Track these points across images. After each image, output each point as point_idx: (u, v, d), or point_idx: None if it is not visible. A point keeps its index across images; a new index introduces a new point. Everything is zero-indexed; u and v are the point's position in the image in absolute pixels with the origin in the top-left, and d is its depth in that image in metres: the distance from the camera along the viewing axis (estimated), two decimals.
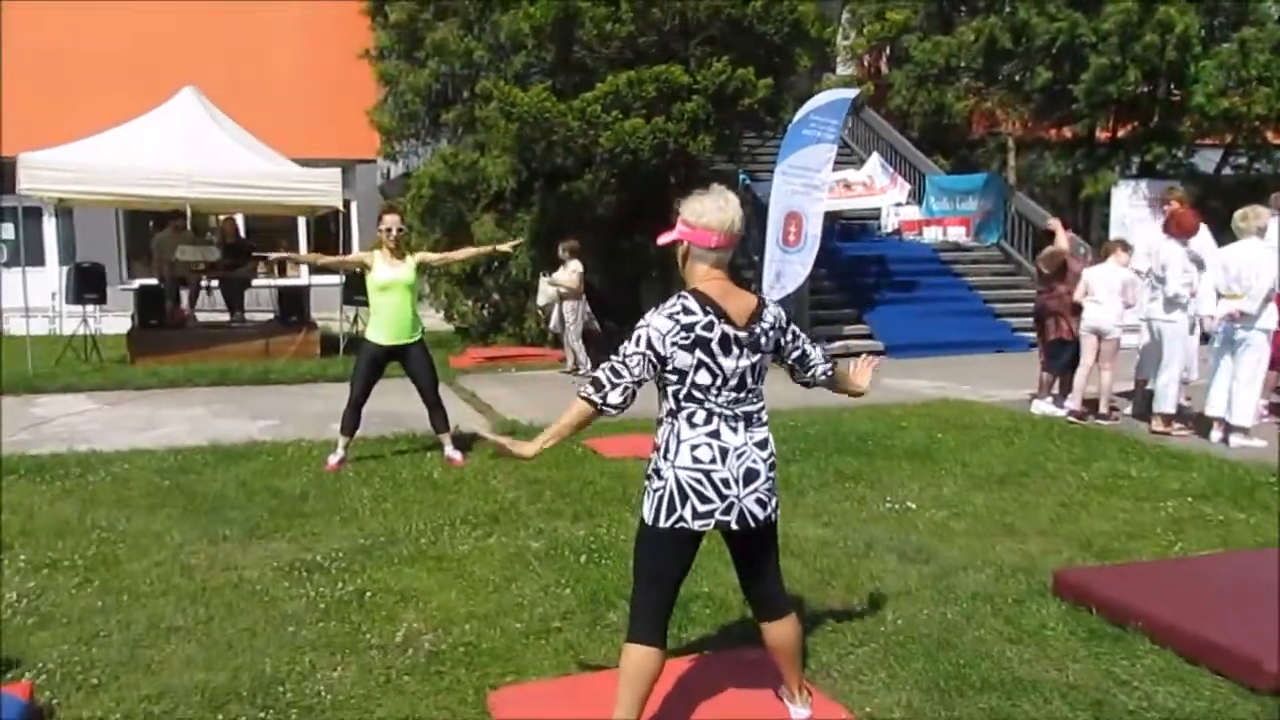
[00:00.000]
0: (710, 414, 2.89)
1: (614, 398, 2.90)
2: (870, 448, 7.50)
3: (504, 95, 10.57)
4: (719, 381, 2.88)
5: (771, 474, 2.98)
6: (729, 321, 2.89)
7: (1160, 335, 7.93)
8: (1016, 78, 14.93)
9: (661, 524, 2.88)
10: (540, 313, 11.78)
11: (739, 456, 2.89)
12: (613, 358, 2.92)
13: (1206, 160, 15.41)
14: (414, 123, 13.96)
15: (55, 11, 17.50)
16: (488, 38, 12.66)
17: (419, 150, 14.55)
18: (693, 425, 2.88)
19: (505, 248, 7.65)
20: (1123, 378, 8.89)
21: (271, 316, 13.21)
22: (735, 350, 2.90)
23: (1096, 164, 14.62)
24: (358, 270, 7.18)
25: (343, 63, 17.56)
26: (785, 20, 11.38)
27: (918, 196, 17.91)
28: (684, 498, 2.86)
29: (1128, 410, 8.88)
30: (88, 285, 11.64)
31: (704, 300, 2.88)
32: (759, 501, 2.94)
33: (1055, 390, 9.02)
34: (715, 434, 2.88)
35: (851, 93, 12.03)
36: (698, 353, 2.86)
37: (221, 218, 14.07)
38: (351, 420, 6.99)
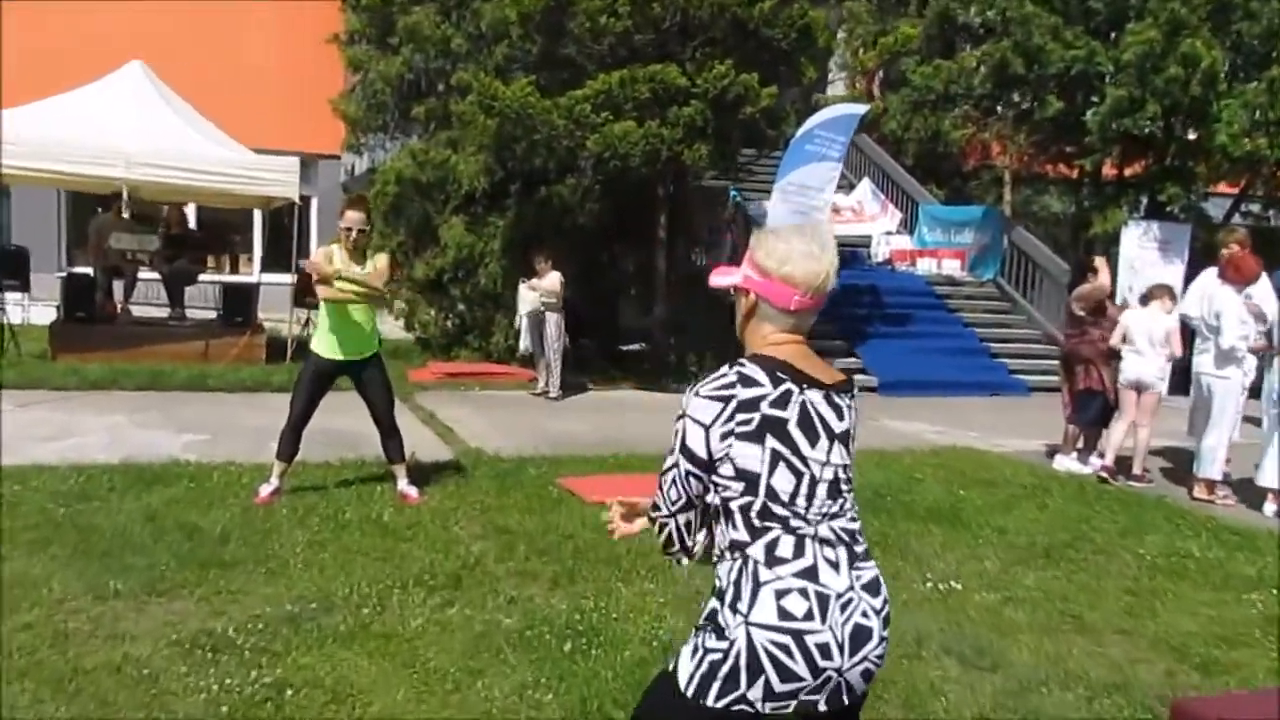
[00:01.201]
0: (800, 540, 1.93)
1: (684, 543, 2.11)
2: (889, 504, 6.57)
3: (484, 88, 9.58)
4: (806, 484, 1.94)
5: (886, 632, 1.98)
6: (813, 385, 1.97)
7: (1210, 392, 7.10)
8: (1024, 105, 14.16)
9: (711, 701, 1.90)
10: (516, 325, 10.73)
11: (845, 607, 1.92)
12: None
13: (1215, 206, 14.79)
14: (382, 114, 12.89)
15: None
16: (467, 26, 11.67)
17: (386, 145, 13.47)
18: (775, 560, 1.91)
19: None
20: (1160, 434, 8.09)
21: (214, 316, 12.05)
22: (823, 435, 1.97)
23: (1104, 201, 13.90)
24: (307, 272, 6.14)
25: (311, 51, 16.54)
26: (794, 25, 10.51)
27: (909, 226, 17.18)
28: (757, 671, 1.87)
29: (1156, 469, 8.07)
30: (9, 270, 10.43)
31: (773, 365, 1.97)
32: (865, 674, 1.95)
33: (1080, 445, 8.17)
34: (811, 573, 1.91)
35: (861, 108, 11.21)
36: (770, 441, 1.92)
37: (166, 206, 12.89)
38: (290, 444, 5.94)
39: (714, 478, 1.95)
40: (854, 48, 11.62)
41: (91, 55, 12.91)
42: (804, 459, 1.93)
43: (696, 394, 1.96)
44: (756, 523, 1.92)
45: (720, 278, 2.12)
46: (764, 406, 1.92)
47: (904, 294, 14.68)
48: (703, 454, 1.93)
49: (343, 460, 6.92)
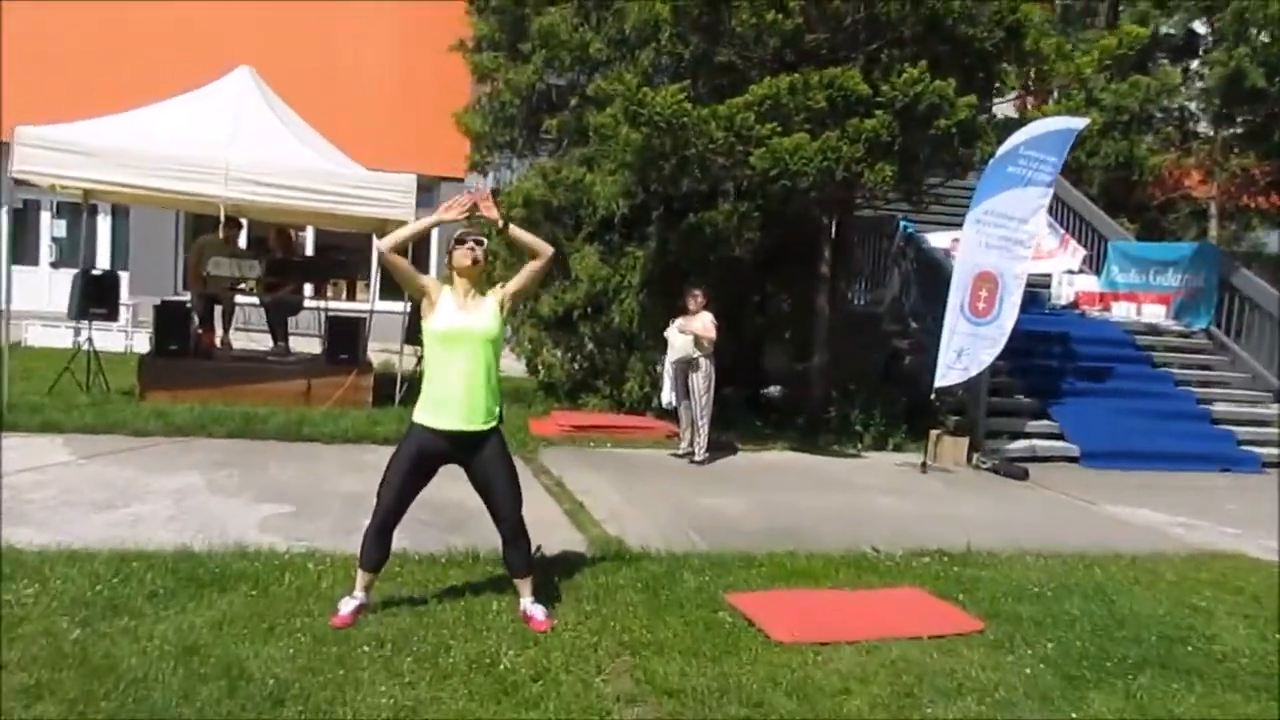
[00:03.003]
0: None
1: None
2: (1188, 654, 4.70)
3: (631, 93, 8.06)
4: None
5: None
6: None
7: None
8: (1257, 122, 11.97)
9: None
10: (658, 372, 9.12)
11: None
12: None
13: None
14: (510, 129, 11.55)
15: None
16: (608, 29, 10.22)
17: (513, 163, 12.14)
18: None
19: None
20: None
21: (319, 351, 10.83)
22: None
23: None
24: (416, 300, 4.66)
25: (433, 60, 15.49)
26: (1001, 22, 8.72)
27: (1095, 264, 15.04)
28: None
29: None
30: (96, 297, 9.38)
31: None
32: None
33: None
34: None
35: (1080, 123, 9.31)
36: None
37: (275, 228, 11.77)
38: (376, 547, 4.44)
39: None
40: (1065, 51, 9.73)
41: (198, 59, 12.01)
42: None
43: None
44: None
45: None
46: None
47: (1099, 343, 12.54)
48: None
49: (449, 552, 5.41)
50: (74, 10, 16.53)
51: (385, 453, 8.12)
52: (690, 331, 8.62)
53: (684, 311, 8.82)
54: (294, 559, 5.11)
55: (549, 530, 6.15)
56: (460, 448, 4.43)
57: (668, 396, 9.08)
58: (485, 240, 4.50)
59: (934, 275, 11.41)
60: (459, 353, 4.34)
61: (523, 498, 4.60)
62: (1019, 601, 5.39)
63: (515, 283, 4.57)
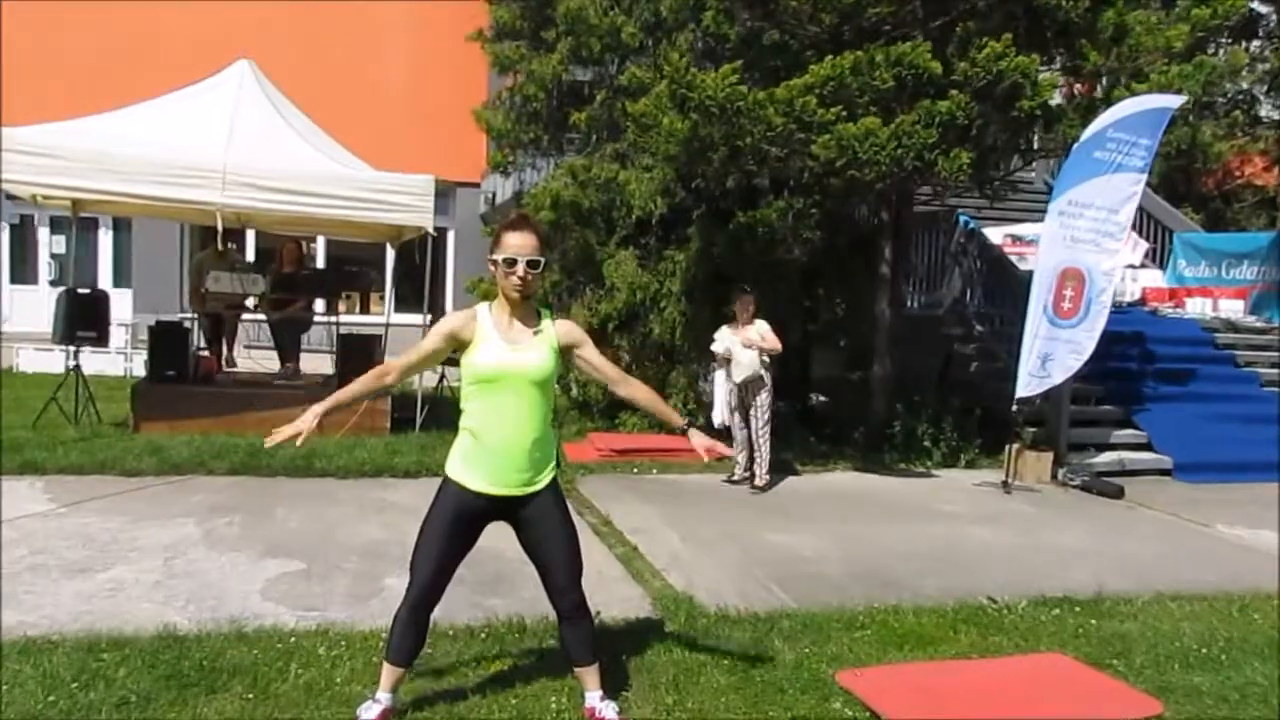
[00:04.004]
0: None
1: None
2: None
3: (679, 74, 7.10)
4: None
5: None
6: None
7: None
8: None
9: None
10: (709, 391, 8.13)
11: None
12: None
13: None
14: (534, 125, 10.59)
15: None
16: (642, 11, 9.27)
17: (537, 162, 11.18)
18: None
19: None
20: None
21: (330, 374, 9.91)
22: None
23: None
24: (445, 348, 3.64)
25: (447, 58, 14.65)
26: None
27: (1158, 257, 14.02)
28: None
29: None
30: (84, 319, 8.47)
31: None
32: None
33: None
34: None
35: (1175, 100, 8.32)
36: None
37: (288, 240, 10.85)
38: (409, 634, 3.45)
39: None
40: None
41: (196, 56, 11.13)
42: None
43: None
44: None
45: None
46: None
47: (1176, 343, 11.50)
48: None
49: (489, 623, 4.46)
50: (79, 10, 15.78)
51: (407, 489, 7.28)
52: (752, 344, 7.66)
53: (731, 321, 7.88)
54: (302, 640, 4.16)
55: (604, 584, 5.21)
56: (508, 509, 3.48)
57: (721, 416, 8.11)
58: (542, 261, 3.49)
59: (1000, 274, 10.42)
60: (504, 397, 3.37)
61: (582, 562, 3.62)
62: (1188, 668, 4.41)
63: (590, 358, 3.63)
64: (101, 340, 8.77)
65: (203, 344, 9.84)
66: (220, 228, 7.80)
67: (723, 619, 4.81)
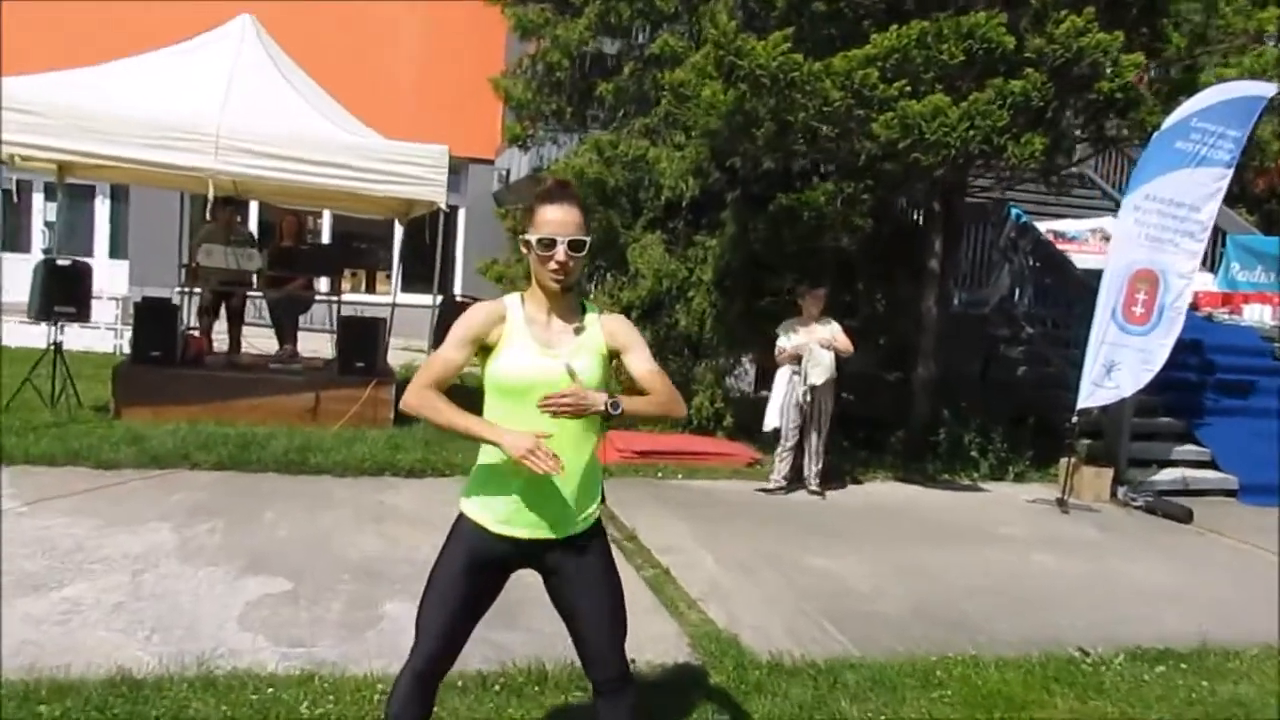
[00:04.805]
0: None
1: None
2: None
3: (728, 39, 6.36)
4: None
5: None
6: None
7: None
8: None
9: None
10: (781, 392, 7.41)
11: None
12: None
13: None
14: (557, 95, 9.83)
15: None
16: None
17: (559, 137, 10.42)
18: None
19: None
20: None
21: (330, 357, 9.22)
22: None
23: None
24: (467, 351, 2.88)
25: (461, 25, 13.88)
26: None
27: (1209, 260, 13.23)
28: None
29: None
30: (62, 292, 7.76)
31: None
32: None
33: None
34: None
35: (1269, 89, 7.58)
36: None
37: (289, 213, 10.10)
38: (411, 706, 2.69)
39: None
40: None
41: (198, 11, 10.37)
42: None
43: None
44: None
45: None
46: None
47: (1235, 353, 10.75)
48: None
49: (504, 670, 3.77)
50: None
51: (409, 490, 6.57)
52: (827, 344, 7.00)
53: (792, 313, 7.21)
54: (282, 692, 3.46)
55: (633, 616, 4.40)
56: (538, 555, 2.77)
57: (777, 420, 7.37)
58: (586, 241, 2.75)
59: (1054, 272, 9.68)
60: (536, 415, 2.63)
61: (627, 625, 2.90)
62: None
63: (637, 368, 2.79)
64: (81, 316, 8.04)
65: (193, 322, 9.13)
66: (211, 196, 7.06)
67: (776, 669, 4.11)
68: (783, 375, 7.25)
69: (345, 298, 10.39)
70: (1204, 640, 4.75)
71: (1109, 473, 8.19)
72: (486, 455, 2.72)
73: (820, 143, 6.95)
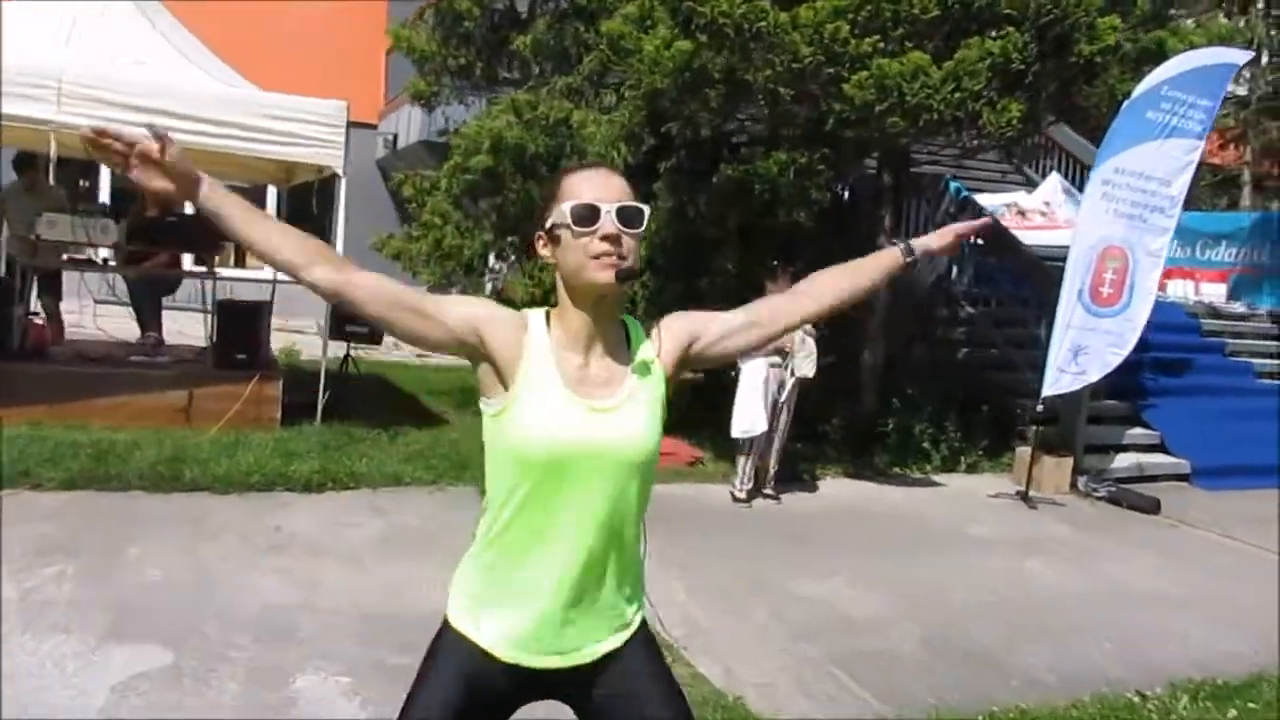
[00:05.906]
0: None
1: None
2: None
3: None
4: None
5: None
6: None
7: None
8: None
9: None
10: (761, 391, 6.49)
11: None
12: None
13: None
14: (466, 48, 8.71)
15: None
16: None
17: (469, 97, 9.28)
18: None
19: None
20: None
21: (204, 345, 7.98)
22: None
23: None
24: (450, 349, 1.94)
25: None
26: None
27: None
28: None
29: None
30: None
31: None
32: None
33: None
34: None
35: (1242, 55, 7.21)
36: None
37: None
38: None
39: None
40: None
41: None
42: None
43: None
44: None
45: None
46: None
47: (1163, 329, 10.46)
48: None
49: None
50: None
51: (308, 510, 5.51)
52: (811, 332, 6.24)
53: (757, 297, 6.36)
54: None
55: None
56: (560, 686, 1.86)
57: (763, 424, 6.45)
58: (645, 211, 1.82)
59: (998, 249, 9.16)
60: (573, 494, 1.71)
61: None
62: None
63: (729, 332, 1.92)
64: None
65: (34, 306, 7.76)
66: (54, 154, 5.79)
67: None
68: (755, 370, 6.37)
69: (219, 272, 9.05)
70: (1259, 672, 4.19)
71: (1069, 463, 7.72)
72: (486, 550, 1.80)
73: (781, 105, 6.13)
